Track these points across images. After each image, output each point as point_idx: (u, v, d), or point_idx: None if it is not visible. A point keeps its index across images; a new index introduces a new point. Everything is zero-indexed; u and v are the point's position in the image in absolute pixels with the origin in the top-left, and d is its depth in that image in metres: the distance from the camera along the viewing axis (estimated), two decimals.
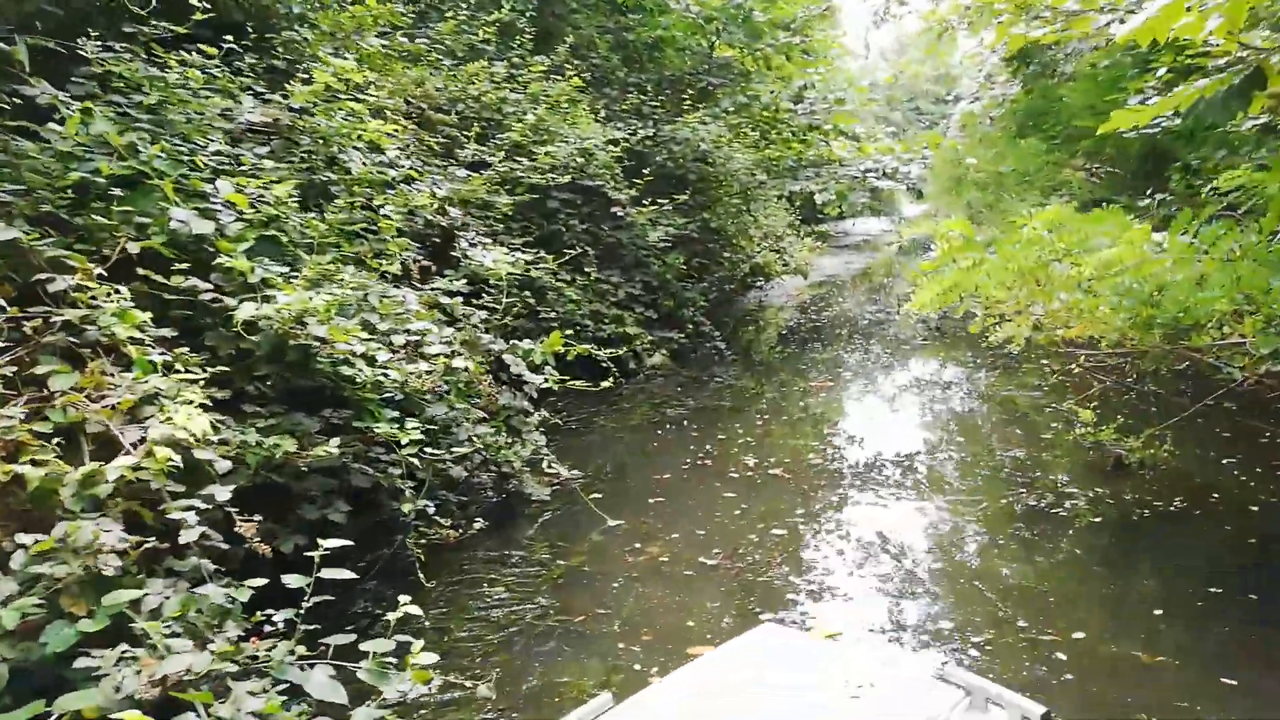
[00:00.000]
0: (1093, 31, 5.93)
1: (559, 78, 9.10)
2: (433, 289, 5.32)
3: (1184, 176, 10.46)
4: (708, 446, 6.97)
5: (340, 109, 5.17)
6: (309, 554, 2.89)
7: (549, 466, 5.44)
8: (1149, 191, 11.03)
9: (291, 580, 2.83)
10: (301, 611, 2.84)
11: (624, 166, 10.36)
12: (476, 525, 5.03)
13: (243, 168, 4.78)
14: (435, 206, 6.18)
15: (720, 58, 11.99)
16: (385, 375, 4.16)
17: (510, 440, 5.43)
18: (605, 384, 6.02)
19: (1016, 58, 16.10)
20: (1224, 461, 6.02)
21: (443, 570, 4.66)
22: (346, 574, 2.92)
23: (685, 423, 7.74)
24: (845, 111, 11.62)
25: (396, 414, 4.33)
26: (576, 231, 9.65)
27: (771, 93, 10.76)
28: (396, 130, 6.58)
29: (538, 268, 8.18)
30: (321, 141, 5.04)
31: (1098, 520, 5.18)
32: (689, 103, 11.06)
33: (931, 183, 13.00)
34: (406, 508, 4.28)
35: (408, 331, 4.56)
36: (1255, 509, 5.23)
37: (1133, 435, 5.97)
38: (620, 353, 9.60)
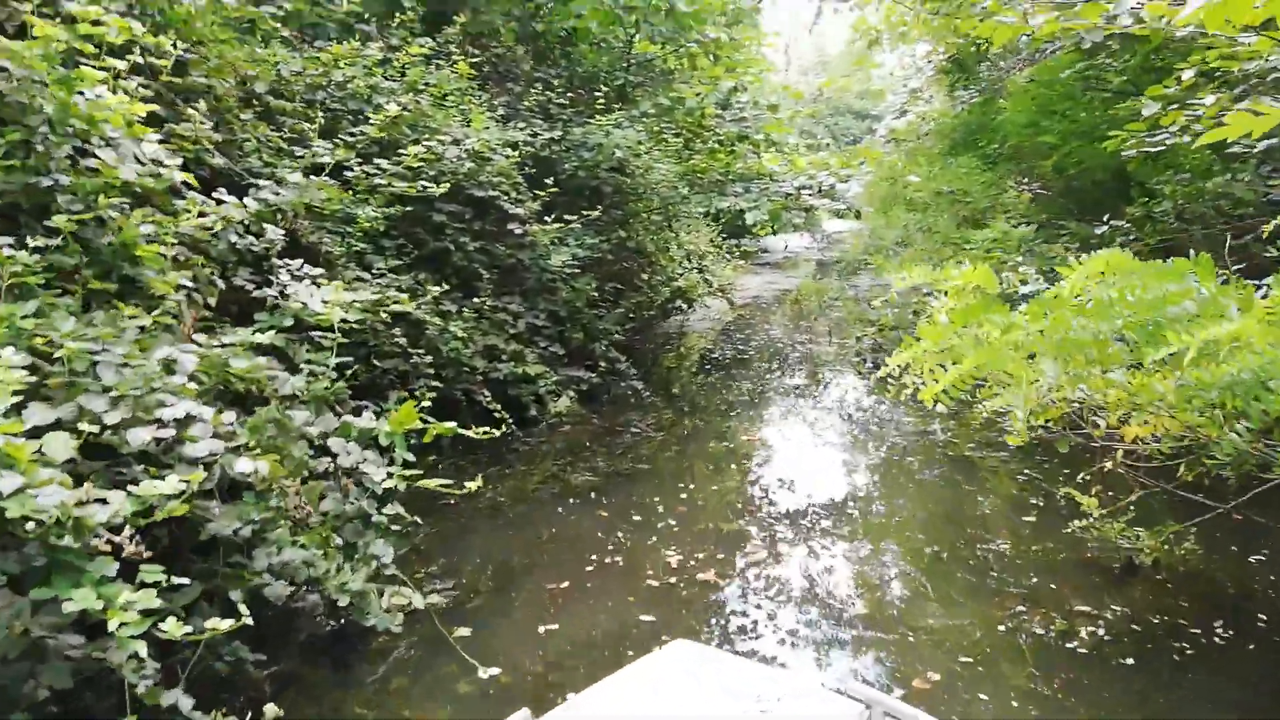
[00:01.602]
0: (1101, 22, 4.73)
1: (443, 63, 7.54)
2: (224, 345, 3.71)
3: (1145, 200, 9.58)
4: (619, 534, 5.52)
5: (79, 81, 3.53)
6: None
7: (392, 598, 3.89)
8: (1105, 217, 10.09)
9: None
10: None
11: (527, 175, 8.87)
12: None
13: None
14: (246, 223, 4.56)
15: (640, 55, 10.64)
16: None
17: (342, 558, 3.87)
18: (472, 487, 4.44)
19: (952, 70, 15.29)
20: (1272, 575, 4.86)
21: None
22: None
23: (593, 494, 6.27)
24: (778, 120, 10.38)
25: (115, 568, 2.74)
26: (468, 251, 8.11)
27: (697, 95, 9.44)
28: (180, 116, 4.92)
29: (412, 299, 6.63)
30: (46, 125, 3.40)
31: (1129, 662, 3.93)
32: (603, 103, 9.64)
33: (868, 201, 11.96)
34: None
35: (159, 422, 2.98)
36: None
37: (1146, 529, 4.79)
38: (524, 396, 8.17)
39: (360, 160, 6.25)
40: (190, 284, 3.84)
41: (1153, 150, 5.53)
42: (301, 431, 3.62)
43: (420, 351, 6.57)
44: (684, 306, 12.76)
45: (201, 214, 4.17)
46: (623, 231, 9.97)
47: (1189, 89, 4.79)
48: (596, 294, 9.27)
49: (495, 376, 7.81)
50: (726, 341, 12.96)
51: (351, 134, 6.26)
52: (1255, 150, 5.45)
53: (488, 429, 4.25)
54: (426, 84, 7.54)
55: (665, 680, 2.05)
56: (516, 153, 8.11)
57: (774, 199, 9.71)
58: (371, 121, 6.49)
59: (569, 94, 10.11)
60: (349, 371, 4.67)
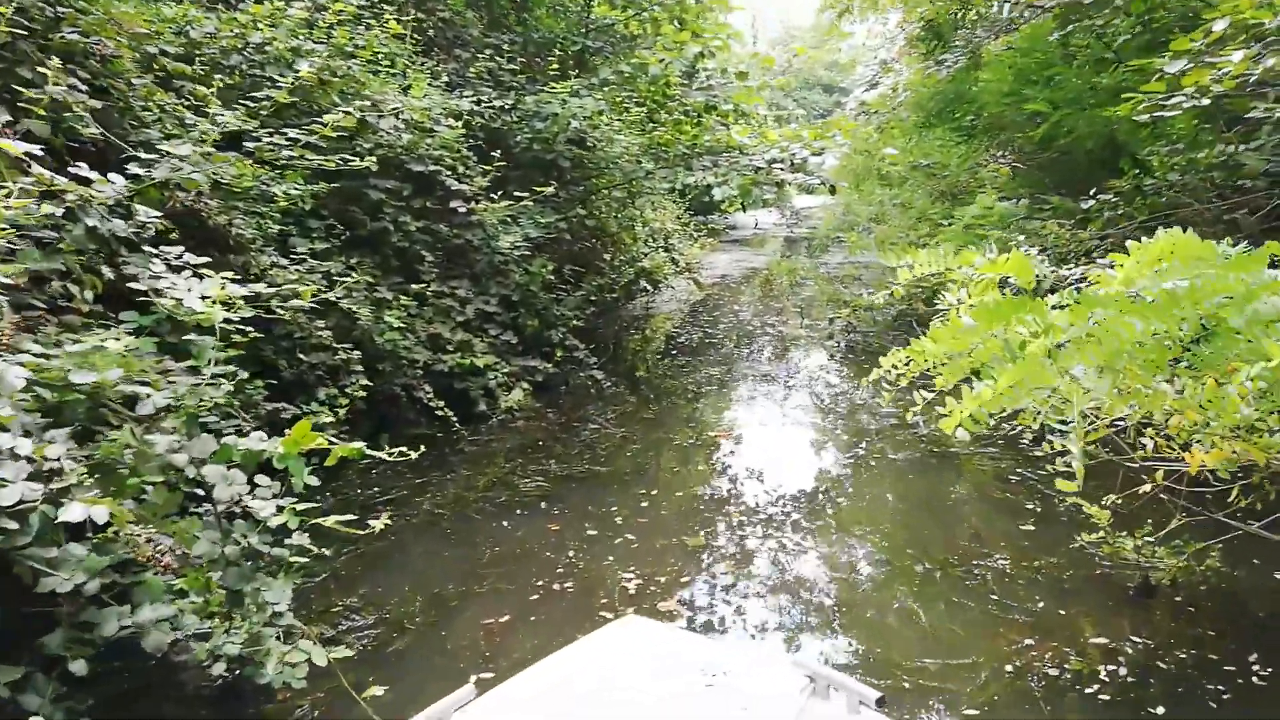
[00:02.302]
0: None
1: (374, 23, 6.76)
2: (71, 353, 2.98)
3: (1136, 173, 9.05)
4: (571, 552, 4.88)
5: None
6: None
7: (286, 658, 3.21)
8: (1092, 191, 9.55)
9: None
10: None
11: (477, 149, 8.13)
12: None
13: None
14: (118, 202, 3.82)
15: (600, 19, 9.89)
16: None
17: (228, 606, 3.19)
18: (377, 526, 3.82)
19: (927, 37, 14.65)
20: None
21: None
22: None
23: (544, 502, 5.62)
24: (747, 89, 9.68)
25: None
26: (409, 231, 7.38)
27: (661, 61, 8.73)
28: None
29: (342, 285, 5.92)
30: None
31: (1159, 712, 3.38)
32: (558, 70, 8.90)
33: (842, 176, 11.35)
34: None
35: None
36: None
37: (1163, 546, 4.25)
38: (472, 389, 7.47)
39: (272, 131, 5.47)
40: (5, 279, 3.10)
41: (1168, 115, 4.93)
42: (167, 460, 2.92)
43: (348, 346, 5.84)
44: (649, 288, 12.11)
45: (50, 192, 3.42)
46: (582, 209, 9.28)
47: (1216, 43, 4.20)
48: (553, 277, 8.59)
49: (440, 369, 7.13)
50: (694, 324, 12.33)
51: (254, 99, 5.46)
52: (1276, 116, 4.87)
53: (404, 450, 3.56)
54: (356, 46, 6.75)
55: (613, 653, 2.05)
56: (460, 124, 7.35)
57: (744, 174, 9.02)
58: (280, 85, 5.70)
59: (522, 61, 9.35)
60: (237, 380, 3.91)
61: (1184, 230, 2.29)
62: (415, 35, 8.31)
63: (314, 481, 3.43)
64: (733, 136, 10.21)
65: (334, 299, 5.56)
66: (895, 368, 2.62)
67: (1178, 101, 4.67)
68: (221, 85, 5.44)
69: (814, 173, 9.41)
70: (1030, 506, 5.34)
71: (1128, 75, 7.54)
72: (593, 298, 9.86)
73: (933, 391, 2.47)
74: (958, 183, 12.16)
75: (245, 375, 4.63)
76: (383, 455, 3.43)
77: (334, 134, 5.49)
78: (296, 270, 5.64)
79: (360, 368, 5.94)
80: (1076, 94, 8.88)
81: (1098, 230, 7.73)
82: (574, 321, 8.59)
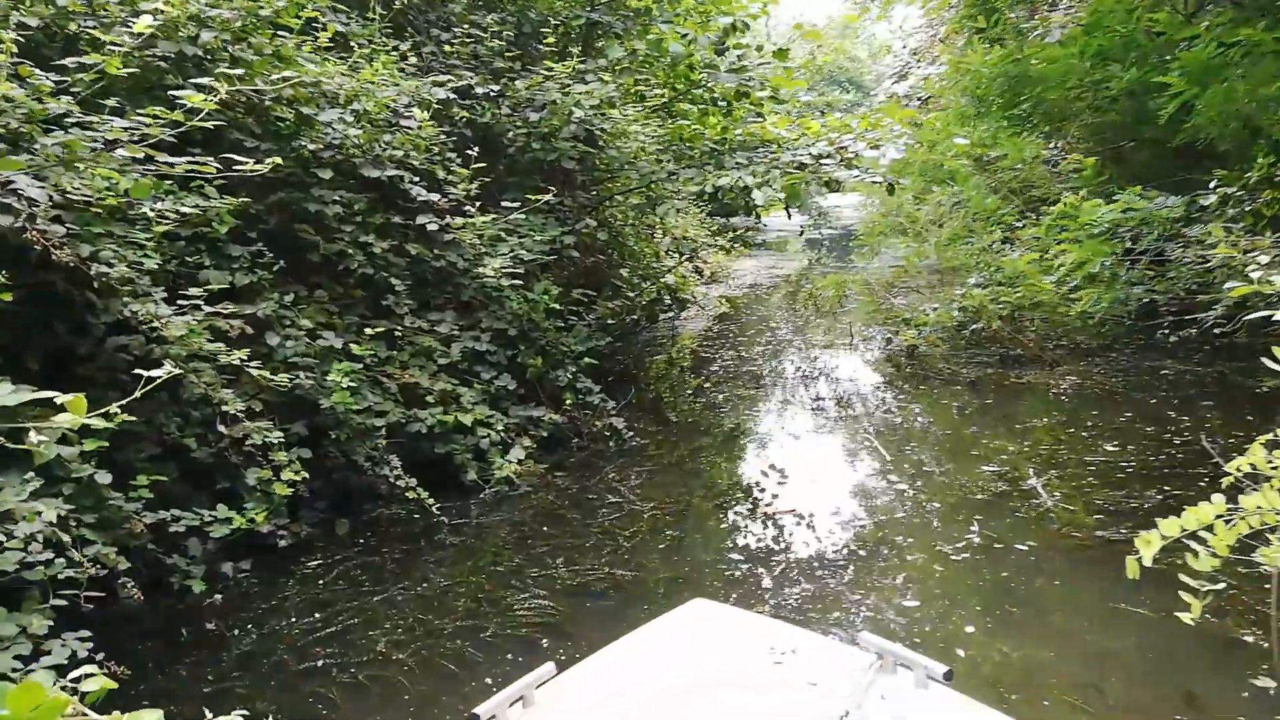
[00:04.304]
0: None
1: None
2: None
3: (1269, 160, 7.35)
4: None
5: None
6: None
7: None
8: (1212, 184, 7.86)
9: None
10: None
11: (462, 149, 6.54)
12: None
13: None
14: None
15: None
16: None
17: None
18: None
19: (975, 6, 12.92)
20: None
21: None
22: None
23: (545, 640, 3.97)
24: (786, 69, 8.06)
25: None
26: (374, 254, 5.80)
27: (684, 36, 7.12)
28: None
29: (280, 331, 4.34)
30: None
31: None
32: (556, 48, 7.31)
33: (900, 171, 9.69)
34: None
35: None
36: None
37: None
38: (458, 453, 5.87)
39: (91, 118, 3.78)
40: None
41: None
42: None
43: (263, 424, 4.25)
44: (673, 308, 10.48)
45: None
46: (592, 219, 7.66)
47: None
48: (559, 303, 6.97)
49: (416, 429, 5.53)
50: (725, 344, 10.69)
51: (62, 66, 3.74)
52: None
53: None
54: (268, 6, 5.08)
55: (681, 636, 2.05)
56: (429, 115, 5.75)
57: (789, 171, 7.39)
58: (113, 48, 3.92)
59: (515, 44, 7.76)
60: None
61: None
62: (380, 11, 6.74)
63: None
64: (768, 128, 8.58)
65: (240, 361, 3.93)
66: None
67: None
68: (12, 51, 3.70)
69: (871, 168, 7.75)
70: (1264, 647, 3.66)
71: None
72: (609, 323, 8.25)
73: None
74: (1031, 178, 10.47)
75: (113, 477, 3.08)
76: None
77: (211, 124, 3.81)
78: (193, 319, 4.04)
79: (276, 437, 4.34)
80: (1204, 67, 7.17)
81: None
82: (585, 357, 6.96)
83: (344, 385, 4.73)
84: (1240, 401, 6.94)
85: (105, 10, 4.35)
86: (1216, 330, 7.83)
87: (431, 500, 5.01)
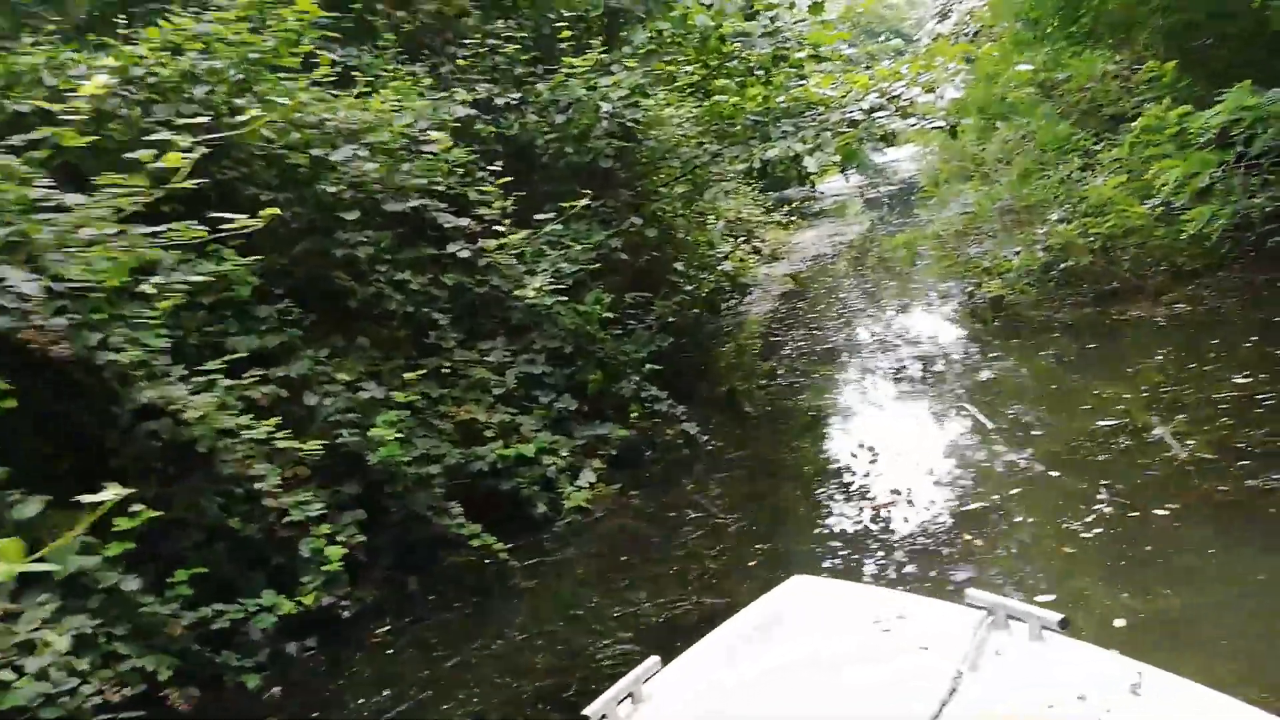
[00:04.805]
0: None
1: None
2: None
3: None
4: None
5: None
6: None
7: None
8: None
9: None
10: None
11: (487, 163, 6.22)
12: None
13: None
14: None
15: None
16: None
17: None
18: None
19: None
20: None
21: None
22: None
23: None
24: (825, 24, 7.50)
25: None
26: (412, 291, 5.52)
27: (709, 6, 6.64)
28: None
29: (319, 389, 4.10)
30: None
31: None
32: (573, 43, 6.91)
33: (960, 112, 8.97)
34: None
35: None
36: None
37: None
38: (524, 487, 5.55)
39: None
40: None
41: None
42: None
43: (303, 490, 3.99)
44: (735, 296, 9.99)
45: None
46: (637, 217, 7.24)
47: None
48: (613, 311, 6.59)
49: (474, 471, 5.23)
50: (795, 323, 10.18)
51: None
52: None
53: None
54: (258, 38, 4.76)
55: (785, 616, 1.98)
56: (447, 136, 5.42)
57: (842, 131, 6.85)
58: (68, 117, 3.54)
59: (534, 51, 7.39)
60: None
61: None
62: (387, 36, 6.46)
63: None
64: (812, 90, 8.03)
65: (267, 434, 3.66)
66: None
67: None
68: None
69: (929, 114, 7.13)
70: None
71: None
72: (670, 321, 7.83)
73: None
74: (1103, 97, 9.61)
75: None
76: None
77: (192, 183, 3.48)
78: (218, 392, 3.79)
79: (317, 509, 4.07)
80: None
81: None
82: (648, 363, 6.57)
83: (390, 438, 4.43)
84: None
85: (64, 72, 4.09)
86: None
87: (499, 545, 4.69)
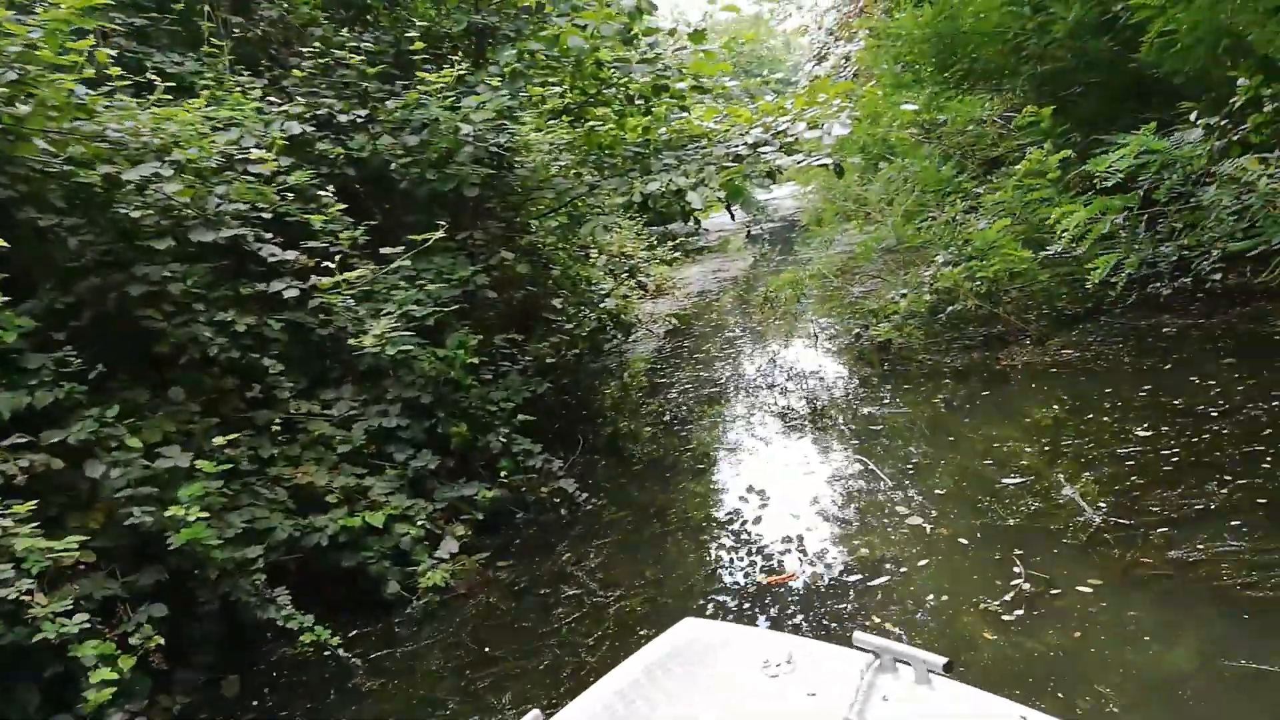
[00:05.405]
0: None
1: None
2: None
3: (1256, 81, 6.56)
4: None
5: None
6: None
7: None
8: (1193, 115, 7.11)
9: None
10: None
11: (350, 193, 5.47)
12: None
13: None
14: None
15: None
16: None
17: None
18: None
19: None
20: None
21: None
22: None
23: None
24: (707, 53, 7.12)
25: None
26: (236, 334, 4.69)
27: (584, 29, 6.13)
28: None
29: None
30: None
31: None
32: (430, 60, 6.28)
33: (843, 151, 8.79)
34: None
35: None
36: None
37: None
38: (372, 563, 4.76)
39: None
40: None
41: None
42: None
43: (67, 588, 3.15)
44: (618, 335, 9.46)
45: None
46: (507, 252, 6.60)
47: None
48: (480, 355, 5.91)
49: (308, 545, 4.44)
50: (682, 364, 9.71)
51: None
52: None
53: None
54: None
55: (674, 661, 1.97)
56: (273, 154, 4.66)
57: (725, 166, 6.44)
58: None
59: (392, 65, 6.69)
60: None
61: None
62: (215, 41, 5.65)
63: None
64: (694, 123, 7.64)
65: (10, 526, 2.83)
66: None
67: None
68: None
69: (815, 150, 6.82)
70: None
71: None
72: (550, 362, 7.20)
73: None
74: (983, 140, 9.66)
75: None
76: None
77: None
78: None
79: (79, 622, 3.23)
80: None
81: None
82: (520, 413, 5.91)
83: (194, 517, 3.61)
84: (1261, 352, 6.09)
85: None
86: (1215, 276, 7.06)
87: (336, 640, 3.92)
